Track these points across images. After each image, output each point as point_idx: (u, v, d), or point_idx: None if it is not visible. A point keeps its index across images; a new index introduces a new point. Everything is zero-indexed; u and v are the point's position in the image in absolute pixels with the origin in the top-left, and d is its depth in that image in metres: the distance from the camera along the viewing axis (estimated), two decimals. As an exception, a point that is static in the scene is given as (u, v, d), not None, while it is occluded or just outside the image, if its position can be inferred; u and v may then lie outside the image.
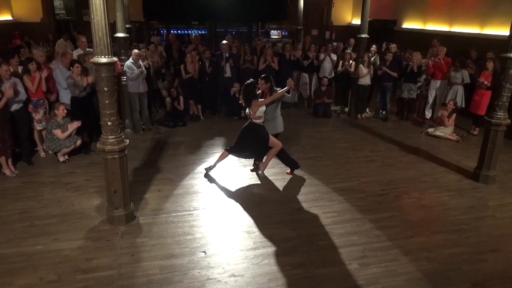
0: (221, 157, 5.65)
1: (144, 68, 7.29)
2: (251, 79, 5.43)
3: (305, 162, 6.13)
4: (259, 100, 5.31)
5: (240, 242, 4.12)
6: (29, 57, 6.46)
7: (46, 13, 13.26)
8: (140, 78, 7.25)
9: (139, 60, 7.27)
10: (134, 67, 7.12)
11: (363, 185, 5.52)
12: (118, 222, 4.31)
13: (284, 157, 5.78)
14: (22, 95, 5.67)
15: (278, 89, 5.46)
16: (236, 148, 5.53)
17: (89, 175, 5.56)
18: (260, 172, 5.73)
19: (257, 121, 5.34)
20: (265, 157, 5.73)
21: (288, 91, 5.41)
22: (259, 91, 5.45)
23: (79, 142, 6.06)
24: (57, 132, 5.81)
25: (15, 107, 5.58)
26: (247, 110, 5.36)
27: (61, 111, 5.85)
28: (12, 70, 5.69)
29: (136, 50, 7.33)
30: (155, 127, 7.81)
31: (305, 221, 4.56)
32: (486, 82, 7.34)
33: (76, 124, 5.94)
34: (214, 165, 5.70)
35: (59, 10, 15.18)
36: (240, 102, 5.46)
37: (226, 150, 5.64)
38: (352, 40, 10.11)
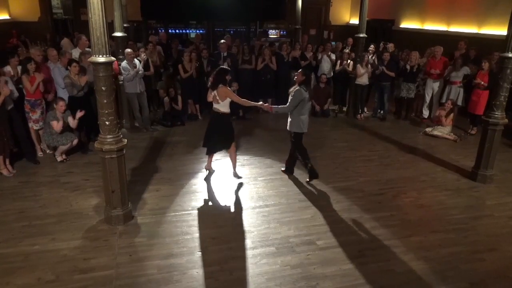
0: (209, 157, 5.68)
1: (140, 67, 7.24)
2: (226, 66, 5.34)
3: (304, 161, 6.13)
4: (230, 89, 5.22)
5: (238, 241, 4.11)
6: (28, 57, 6.45)
7: (44, 12, 13.22)
8: (137, 78, 7.22)
9: (134, 59, 7.22)
10: (129, 68, 7.09)
11: (362, 185, 5.53)
12: (116, 222, 4.30)
13: (293, 158, 5.70)
14: (14, 94, 5.63)
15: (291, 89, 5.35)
16: (206, 142, 5.43)
17: (87, 175, 5.55)
18: (235, 173, 5.65)
19: (223, 110, 5.22)
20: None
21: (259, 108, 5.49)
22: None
23: (76, 141, 6.03)
24: (54, 123, 5.77)
25: (12, 105, 5.55)
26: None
27: (59, 107, 5.80)
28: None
29: (128, 50, 7.18)
30: (153, 127, 7.79)
31: (303, 220, 4.56)
32: (483, 83, 7.35)
33: (79, 114, 5.86)
34: (209, 164, 5.70)
35: (57, 9, 15.11)
36: (208, 85, 5.32)
37: (203, 146, 5.53)
38: (350, 40, 10.11)
